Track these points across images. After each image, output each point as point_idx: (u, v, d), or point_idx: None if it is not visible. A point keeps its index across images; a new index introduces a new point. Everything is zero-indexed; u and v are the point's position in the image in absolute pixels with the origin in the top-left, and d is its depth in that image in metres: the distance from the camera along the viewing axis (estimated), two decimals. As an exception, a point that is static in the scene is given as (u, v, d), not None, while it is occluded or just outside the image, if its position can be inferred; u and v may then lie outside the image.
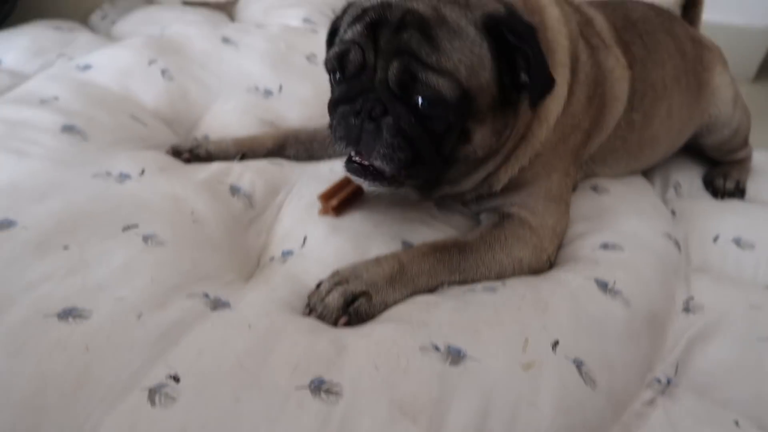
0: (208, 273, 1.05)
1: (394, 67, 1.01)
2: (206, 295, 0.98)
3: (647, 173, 1.78)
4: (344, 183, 1.29)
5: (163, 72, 1.67)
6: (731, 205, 1.68)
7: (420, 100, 1.02)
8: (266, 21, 2.39)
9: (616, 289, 1.16)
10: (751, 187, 1.83)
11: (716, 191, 1.77)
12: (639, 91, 1.48)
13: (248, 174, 1.34)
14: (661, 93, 1.54)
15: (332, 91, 1.16)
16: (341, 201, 1.24)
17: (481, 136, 1.09)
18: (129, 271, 0.97)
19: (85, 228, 1.05)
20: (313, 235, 1.22)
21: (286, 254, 1.19)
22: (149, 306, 0.90)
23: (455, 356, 0.92)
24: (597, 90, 1.35)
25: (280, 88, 1.74)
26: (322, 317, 1.01)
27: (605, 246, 1.30)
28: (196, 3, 2.49)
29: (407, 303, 1.07)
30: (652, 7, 1.70)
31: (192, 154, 1.45)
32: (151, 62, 1.69)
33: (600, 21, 1.45)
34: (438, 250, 1.15)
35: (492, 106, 1.07)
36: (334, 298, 1.02)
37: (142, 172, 1.25)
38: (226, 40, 1.87)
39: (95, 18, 2.43)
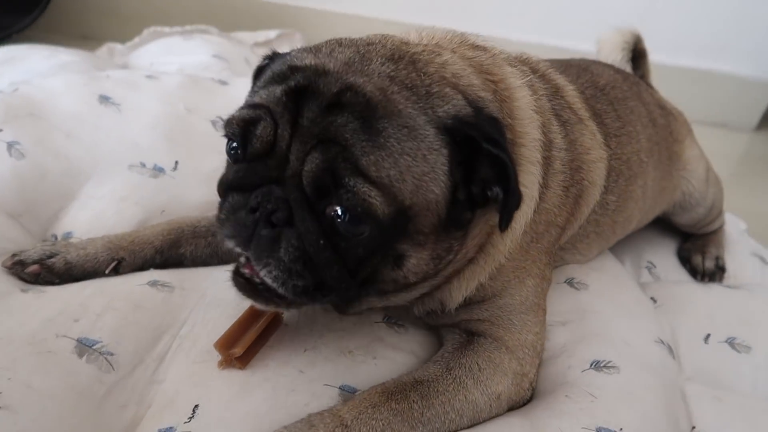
0: None
1: (313, 160, 0.77)
2: None
3: (615, 252, 1.58)
4: (249, 318, 0.95)
5: (11, 146, 1.28)
6: (718, 293, 1.52)
7: (340, 212, 0.77)
8: (167, 59, 2.03)
9: (625, 443, 0.94)
10: (729, 260, 1.70)
11: (695, 271, 1.63)
12: (615, 169, 1.28)
13: (111, 316, 0.97)
14: (636, 170, 1.35)
15: (227, 166, 0.88)
16: (248, 347, 0.90)
17: (415, 262, 0.86)
18: None
19: None
20: (209, 401, 0.87)
21: (165, 434, 0.84)
22: None
23: None
24: (575, 177, 1.14)
25: (176, 164, 1.39)
26: None
27: (597, 365, 1.10)
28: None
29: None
30: (618, 70, 1.54)
31: (43, 266, 1.07)
32: (-7, 133, 1.29)
33: (570, 91, 1.23)
34: (392, 397, 0.89)
35: (436, 228, 0.84)
36: None
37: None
38: (104, 99, 1.49)
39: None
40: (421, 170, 0.79)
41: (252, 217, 0.79)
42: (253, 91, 0.89)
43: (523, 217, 1.00)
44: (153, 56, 2.07)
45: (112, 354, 0.92)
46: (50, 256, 1.08)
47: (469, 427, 0.94)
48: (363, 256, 0.81)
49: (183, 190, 1.37)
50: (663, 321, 1.37)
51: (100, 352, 0.91)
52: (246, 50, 2.27)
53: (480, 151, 0.82)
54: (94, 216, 1.27)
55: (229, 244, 0.83)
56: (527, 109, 1.01)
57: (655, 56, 1.76)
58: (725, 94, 1.76)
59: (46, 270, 1.07)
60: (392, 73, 0.83)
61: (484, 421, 0.96)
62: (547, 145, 1.05)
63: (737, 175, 2.29)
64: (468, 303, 1.04)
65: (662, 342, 1.23)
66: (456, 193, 0.84)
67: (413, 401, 0.89)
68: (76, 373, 0.87)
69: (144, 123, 1.46)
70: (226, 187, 0.85)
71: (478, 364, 0.97)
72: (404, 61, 0.86)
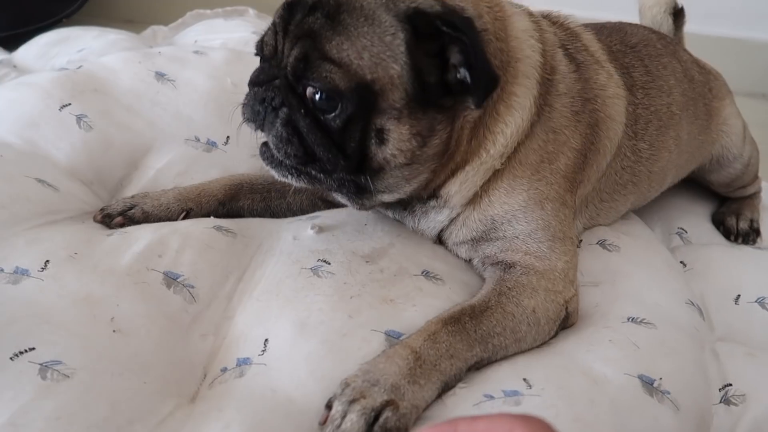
0: (135, 412, 0.83)
1: (293, 54, 1.02)
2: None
3: (645, 217, 1.64)
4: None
5: (79, 119, 1.43)
6: (748, 254, 1.57)
7: (314, 90, 1.01)
8: (210, 37, 2.16)
9: (663, 389, 1.01)
10: (763, 226, 1.74)
11: (728, 232, 1.68)
12: (642, 117, 1.39)
13: (188, 253, 1.12)
14: (667, 121, 1.44)
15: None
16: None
17: (398, 137, 1.03)
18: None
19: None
20: (276, 337, 1.01)
21: (243, 363, 0.99)
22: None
23: None
24: (586, 106, 1.24)
25: (227, 139, 1.52)
26: None
27: (634, 320, 1.16)
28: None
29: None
30: (654, 31, 1.61)
31: (126, 217, 1.28)
32: (63, 106, 1.43)
33: (588, 37, 1.36)
34: (447, 322, 1.03)
35: (409, 105, 1.02)
36: (353, 422, 0.87)
37: (46, 264, 1.02)
38: (160, 76, 1.62)
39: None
40: (377, 49, 0.99)
41: (262, 106, 1.06)
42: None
43: (513, 124, 1.13)
44: (196, 34, 2.21)
45: (193, 287, 1.07)
46: (131, 208, 1.29)
47: (515, 343, 1.05)
48: (341, 127, 1.01)
49: (234, 162, 1.50)
50: (692, 283, 1.42)
51: (183, 285, 1.06)
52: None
53: (444, 38, 0.98)
54: (155, 186, 1.41)
55: (249, 125, 1.09)
56: (521, 32, 1.15)
57: (688, 25, 1.80)
58: (762, 63, 1.77)
59: (128, 219, 1.27)
60: None
61: (531, 339, 1.07)
62: (549, 70, 1.18)
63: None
64: (493, 229, 1.18)
65: (692, 303, 1.28)
66: (423, 77, 1.00)
67: (465, 322, 1.02)
68: (167, 303, 1.02)
69: (196, 98, 1.59)
70: (249, 83, 1.11)
71: (508, 286, 1.11)
72: None
